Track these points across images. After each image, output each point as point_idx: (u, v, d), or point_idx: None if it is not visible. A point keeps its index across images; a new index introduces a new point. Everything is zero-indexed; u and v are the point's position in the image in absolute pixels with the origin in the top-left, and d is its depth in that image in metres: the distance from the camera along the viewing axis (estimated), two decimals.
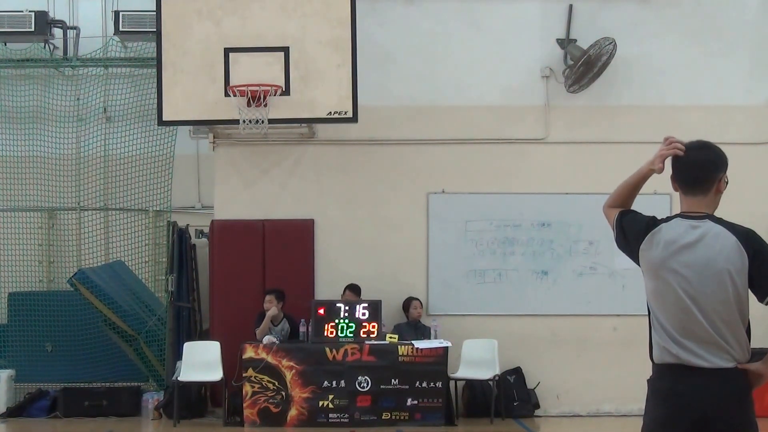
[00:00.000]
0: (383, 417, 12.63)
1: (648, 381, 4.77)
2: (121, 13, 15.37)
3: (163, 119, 13.16)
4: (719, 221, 4.66)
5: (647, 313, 4.78)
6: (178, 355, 13.71)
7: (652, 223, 4.78)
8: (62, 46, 15.86)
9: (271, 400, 12.65)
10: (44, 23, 15.54)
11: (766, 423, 14.26)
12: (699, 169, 4.74)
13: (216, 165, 14.20)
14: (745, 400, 4.60)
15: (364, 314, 12.87)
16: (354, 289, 13.61)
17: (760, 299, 4.67)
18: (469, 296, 13.94)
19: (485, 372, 13.29)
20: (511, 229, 14.07)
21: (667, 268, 4.64)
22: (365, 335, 12.82)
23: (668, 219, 4.75)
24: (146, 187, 15.70)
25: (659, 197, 14.03)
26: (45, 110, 15.68)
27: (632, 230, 4.88)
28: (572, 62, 13.83)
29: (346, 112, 12.92)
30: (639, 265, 4.86)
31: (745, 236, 4.60)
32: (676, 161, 4.85)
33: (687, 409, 4.52)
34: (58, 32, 15.89)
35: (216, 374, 13.18)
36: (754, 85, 14.21)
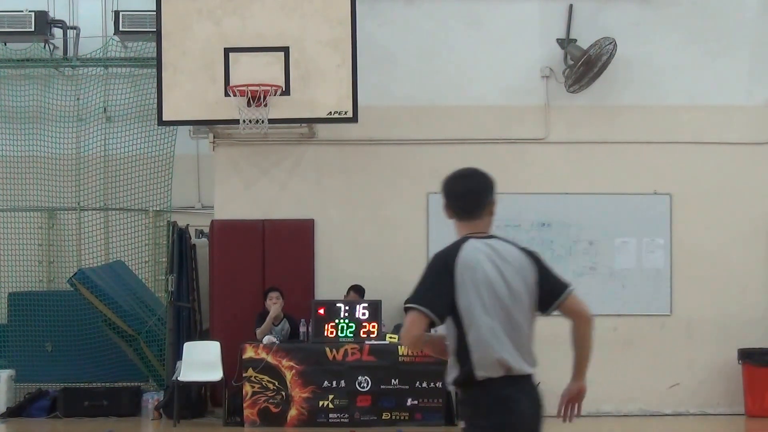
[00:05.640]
0: (383, 417, 12.63)
1: (472, 397, 4.83)
2: (121, 13, 15.36)
3: (163, 119, 13.16)
4: (505, 240, 4.96)
5: (459, 327, 4.83)
6: (178, 355, 13.71)
7: (452, 261, 4.84)
8: (62, 46, 15.85)
9: (271, 400, 12.65)
10: (44, 23, 15.53)
11: (766, 423, 14.24)
12: (475, 195, 5.06)
13: (216, 165, 14.19)
14: None
15: (364, 314, 12.87)
16: (358, 290, 13.60)
17: (543, 311, 5.06)
18: None
19: None
20: (511, 229, 14.05)
21: (489, 282, 4.80)
22: (365, 335, 12.82)
23: (459, 248, 4.87)
24: (146, 187, 15.70)
25: (659, 197, 14.13)
26: (45, 110, 15.68)
27: (440, 288, 4.84)
28: (572, 62, 13.83)
29: (346, 112, 12.92)
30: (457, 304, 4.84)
31: (529, 253, 4.99)
32: (453, 190, 5.14)
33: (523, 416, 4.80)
34: (58, 32, 15.88)
35: (216, 374, 13.19)
36: (754, 85, 14.20)
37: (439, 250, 4.96)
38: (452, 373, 4.85)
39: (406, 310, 4.83)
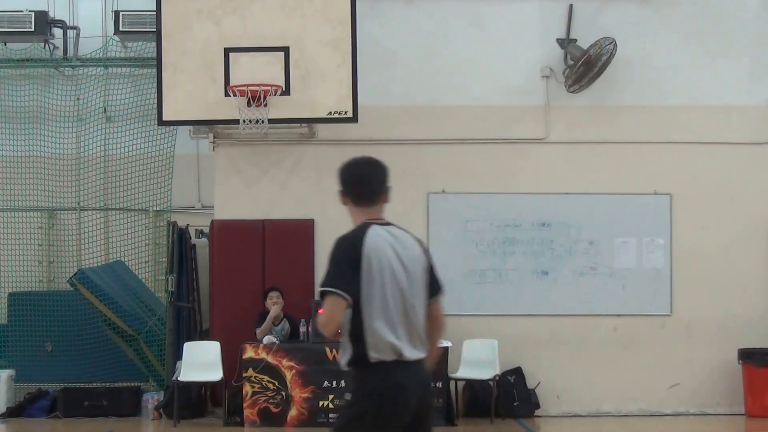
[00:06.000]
0: None
1: (364, 377, 5.00)
2: (121, 13, 15.37)
3: (163, 119, 13.16)
4: (401, 228, 5.14)
5: (357, 310, 4.97)
6: (178, 355, 13.71)
7: (359, 247, 4.96)
8: (62, 46, 15.85)
9: (271, 400, 12.65)
10: (44, 23, 15.54)
11: (766, 423, 14.24)
12: (375, 182, 5.17)
13: (216, 165, 14.19)
14: None
15: None
16: None
17: (430, 297, 5.18)
18: (469, 296, 13.93)
19: (485, 372, 13.29)
20: (511, 229, 14.06)
21: (392, 268, 4.96)
22: None
23: (364, 233, 4.98)
24: (146, 187, 15.70)
25: (659, 197, 14.13)
26: (45, 110, 15.68)
27: (350, 272, 4.96)
28: (572, 62, 13.83)
29: (346, 112, 12.92)
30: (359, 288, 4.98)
31: (420, 242, 5.21)
32: (351, 176, 5.18)
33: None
34: (58, 32, 15.88)
35: (216, 374, 13.18)
36: (754, 85, 14.20)
37: (343, 234, 5.06)
38: (346, 353, 5.01)
39: (323, 294, 4.92)
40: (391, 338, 4.91)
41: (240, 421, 12.77)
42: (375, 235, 4.98)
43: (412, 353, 4.97)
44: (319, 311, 4.99)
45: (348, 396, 5.02)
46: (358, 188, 5.15)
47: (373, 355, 4.91)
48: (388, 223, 5.11)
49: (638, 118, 14.09)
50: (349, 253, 4.95)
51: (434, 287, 5.22)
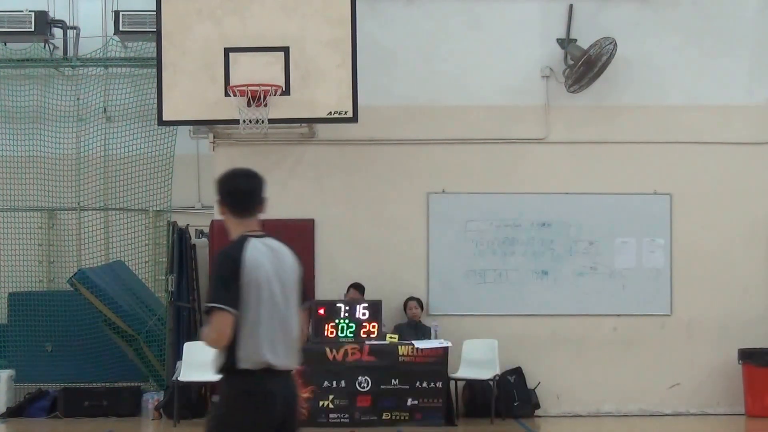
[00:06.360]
0: (383, 417, 12.63)
1: (233, 383, 5.14)
2: (121, 13, 15.37)
3: (163, 119, 13.16)
4: (276, 239, 5.34)
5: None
6: (178, 355, 13.70)
7: (239, 260, 5.09)
8: (62, 46, 15.85)
9: None
10: (44, 23, 15.54)
11: (766, 423, 14.23)
12: (254, 195, 5.32)
13: (216, 165, 14.18)
14: None
15: (364, 314, 12.87)
16: (358, 287, 13.62)
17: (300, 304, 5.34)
18: (469, 296, 13.94)
19: (485, 372, 13.29)
20: (511, 229, 14.06)
21: (269, 281, 5.12)
22: (365, 335, 12.82)
23: (243, 247, 5.12)
24: (146, 187, 15.70)
25: (659, 197, 14.13)
26: (45, 110, 15.68)
27: (234, 286, 5.09)
28: (572, 62, 13.83)
29: (346, 112, 12.92)
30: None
31: (293, 253, 5.37)
32: (232, 188, 5.29)
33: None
34: (58, 32, 15.89)
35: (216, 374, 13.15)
36: (754, 85, 14.21)
37: (224, 248, 5.21)
38: (218, 360, 5.16)
39: (209, 310, 5.04)
40: (264, 348, 5.06)
41: None
42: (253, 249, 5.12)
43: (282, 363, 5.12)
44: (211, 324, 5.07)
45: (215, 397, 5.18)
46: (239, 200, 5.27)
47: (244, 363, 5.06)
48: (264, 235, 5.26)
49: (638, 118, 14.09)
50: (231, 267, 5.07)
51: (302, 296, 5.39)
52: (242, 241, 5.15)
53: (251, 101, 12.63)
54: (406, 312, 13.70)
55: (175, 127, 14.80)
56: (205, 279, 14.43)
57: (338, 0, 12.95)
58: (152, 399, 13.91)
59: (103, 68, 15.72)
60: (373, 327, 12.83)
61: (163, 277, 14.76)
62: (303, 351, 13.22)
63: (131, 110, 15.70)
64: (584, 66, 13.69)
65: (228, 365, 5.12)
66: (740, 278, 14.00)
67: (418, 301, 13.71)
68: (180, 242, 14.40)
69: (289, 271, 5.21)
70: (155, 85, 13.19)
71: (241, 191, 5.28)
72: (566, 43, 13.97)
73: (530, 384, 13.77)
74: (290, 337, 5.19)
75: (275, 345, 5.09)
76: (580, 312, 13.96)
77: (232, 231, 5.26)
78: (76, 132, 15.75)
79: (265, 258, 5.13)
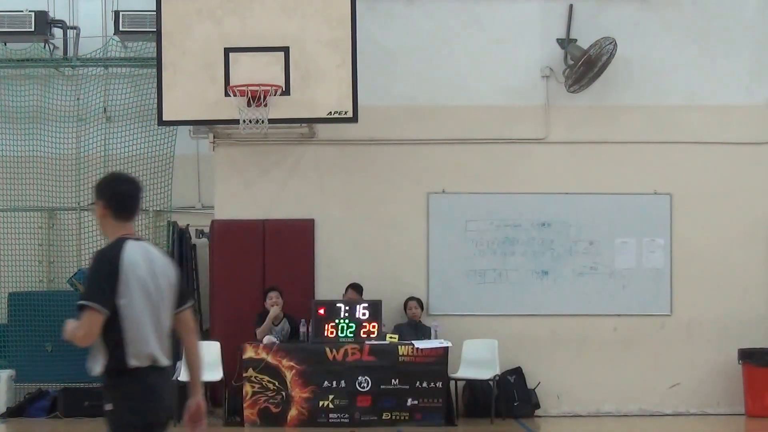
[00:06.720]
0: (383, 417, 12.63)
1: (121, 383, 5.38)
2: (121, 13, 15.35)
3: (163, 119, 13.16)
4: (150, 243, 5.60)
5: (115, 321, 5.26)
6: (178, 356, 13.67)
7: (117, 261, 5.26)
8: (62, 46, 15.83)
9: (271, 400, 12.65)
10: (44, 23, 15.51)
11: (766, 423, 14.23)
12: (136, 199, 5.50)
13: (216, 165, 14.20)
14: None
15: (364, 314, 12.87)
16: (356, 288, 13.62)
17: (180, 306, 5.61)
18: (469, 296, 13.94)
19: (485, 372, 13.29)
20: (511, 229, 14.06)
21: (146, 282, 5.32)
22: (365, 335, 12.82)
23: (121, 249, 5.29)
24: (146, 187, 15.65)
25: (660, 197, 14.13)
26: (45, 110, 15.67)
27: (109, 286, 5.26)
28: (572, 62, 13.83)
29: (346, 112, 12.92)
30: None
31: (166, 255, 5.58)
32: (115, 191, 5.45)
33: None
34: (58, 32, 15.86)
35: (216, 374, 13.18)
36: (754, 85, 14.21)
37: (102, 249, 5.42)
38: (100, 360, 5.39)
39: (81, 307, 5.21)
40: (149, 346, 5.36)
41: (240, 421, 12.78)
42: (131, 251, 5.29)
43: (164, 360, 5.47)
44: (81, 321, 5.22)
45: (108, 406, 5.41)
46: (122, 203, 5.44)
47: (132, 362, 5.31)
48: (139, 239, 5.48)
49: (638, 118, 14.10)
50: (108, 267, 5.24)
51: (184, 297, 5.64)
52: (121, 243, 5.33)
53: (251, 101, 12.64)
54: (406, 312, 13.70)
55: (175, 127, 14.79)
56: (205, 279, 14.44)
57: (338, 0, 12.95)
58: None
59: (103, 68, 15.70)
60: (373, 327, 12.83)
61: None
62: (301, 351, 13.23)
63: (131, 110, 15.68)
64: (584, 66, 13.69)
65: (114, 365, 5.36)
66: (740, 278, 14.00)
67: (418, 301, 13.72)
68: (180, 242, 14.40)
69: (162, 274, 5.39)
70: (155, 85, 13.19)
71: (124, 195, 5.47)
72: (566, 43, 13.97)
73: (530, 384, 13.77)
74: (165, 334, 5.50)
75: (156, 342, 5.40)
76: (580, 312, 13.96)
77: (110, 233, 5.44)
78: (76, 132, 15.73)
79: (142, 260, 5.30)
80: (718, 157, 14.10)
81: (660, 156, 14.09)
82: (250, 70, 12.77)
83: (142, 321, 5.31)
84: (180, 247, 14.38)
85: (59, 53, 15.81)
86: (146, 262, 5.32)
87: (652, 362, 13.91)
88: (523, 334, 13.90)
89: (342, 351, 12.66)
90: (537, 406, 13.72)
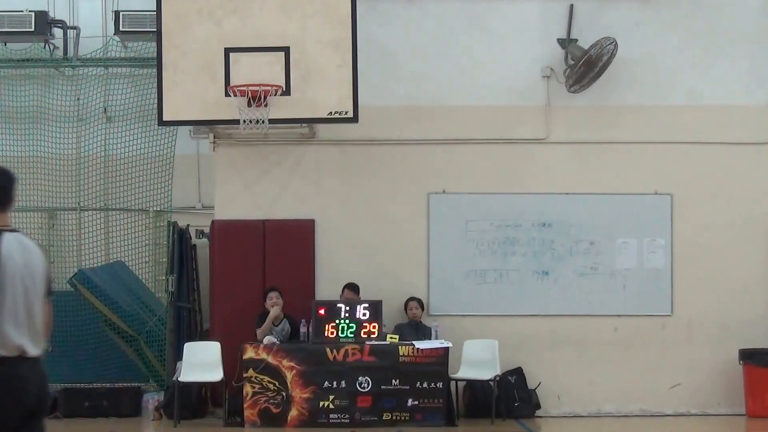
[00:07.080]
0: (384, 417, 12.62)
1: None
2: (121, 13, 15.36)
3: (164, 119, 13.15)
4: (24, 234, 5.58)
5: None
6: (178, 356, 13.70)
7: None
8: (62, 46, 15.84)
9: (271, 401, 12.64)
10: (44, 23, 15.52)
11: (766, 423, 14.22)
12: (9, 191, 5.51)
13: (216, 165, 14.19)
14: None
15: (364, 314, 12.86)
16: (353, 287, 13.60)
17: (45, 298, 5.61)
18: (469, 296, 13.93)
19: (486, 372, 13.28)
20: (511, 229, 14.05)
21: (20, 273, 5.36)
22: (366, 335, 12.81)
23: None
24: (146, 187, 15.69)
25: (660, 197, 14.12)
26: (45, 110, 15.67)
27: None
28: (573, 62, 13.82)
29: (346, 112, 12.91)
30: None
31: (40, 247, 5.64)
32: None
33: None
34: (58, 32, 15.87)
35: (216, 375, 13.17)
36: (754, 85, 14.20)
37: None
38: None
39: None
40: (18, 336, 5.32)
41: (240, 421, 12.77)
42: (7, 242, 5.34)
43: (33, 350, 5.39)
44: None
45: None
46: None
47: (1, 350, 5.28)
48: (14, 230, 5.48)
49: (639, 118, 14.09)
50: None
51: (47, 291, 5.65)
52: None
53: (251, 101, 12.63)
54: (406, 312, 13.69)
55: (176, 127, 14.79)
56: (205, 279, 14.44)
57: (338, 0, 12.94)
58: (152, 399, 13.91)
59: (103, 68, 15.71)
60: (374, 327, 12.83)
61: (164, 278, 14.76)
62: (302, 351, 13.25)
63: (131, 110, 15.69)
64: (585, 66, 13.68)
65: None
66: (741, 278, 13.99)
67: (419, 301, 13.71)
68: (180, 242, 14.39)
69: (35, 266, 5.45)
70: (155, 85, 13.19)
71: (1, 187, 5.52)
72: (567, 43, 13.96)
73: (531, 384, 13.76)
74: (38, 324, 5.47)
75: (26, 332, 5.36)
76: (580, 312, 13.95)
77: None
78: (76, 132, 15.74)
79: (17, 251, 5.35)
80: (719, 158, 14.10)
81: (660, 156, 14.09)
82: (250, 70, 12.76)
83: (13, 311, 5.33)
84: (180, 247, 14.37)
85: (59, 53, 15.82)
86: (21, 253, 5.38)
87: (653, 362, 13.90)
88: (524, 335, 13.89)
89: (342, 351, 12.66)
90: (537, 406, 13.71)
